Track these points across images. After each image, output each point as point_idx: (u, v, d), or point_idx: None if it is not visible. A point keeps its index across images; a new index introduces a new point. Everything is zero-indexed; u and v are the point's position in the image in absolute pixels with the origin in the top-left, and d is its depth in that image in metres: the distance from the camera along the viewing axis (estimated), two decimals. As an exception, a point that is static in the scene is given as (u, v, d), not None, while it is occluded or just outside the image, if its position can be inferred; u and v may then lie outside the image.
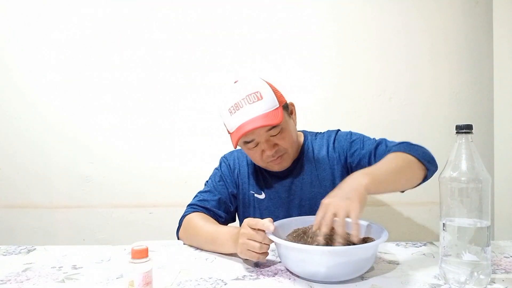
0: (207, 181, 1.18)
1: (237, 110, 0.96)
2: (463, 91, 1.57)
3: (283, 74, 1.59)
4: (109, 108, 1.63)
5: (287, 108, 1.05)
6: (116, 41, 1.62)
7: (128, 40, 1.61)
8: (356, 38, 1.58)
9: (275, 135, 1.00)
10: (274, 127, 0.98)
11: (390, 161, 0.89)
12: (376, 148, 1.02)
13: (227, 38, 1.60)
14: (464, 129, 0.70)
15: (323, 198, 0.77)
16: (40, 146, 1.65)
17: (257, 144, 1.01)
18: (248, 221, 0.83)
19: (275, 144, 1.01)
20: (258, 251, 0.79)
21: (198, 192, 1.14)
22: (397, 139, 1.54)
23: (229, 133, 1.03)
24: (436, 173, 0.91)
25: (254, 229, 0.80)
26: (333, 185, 1.07)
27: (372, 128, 1.57)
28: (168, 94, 1.62)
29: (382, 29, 1.58)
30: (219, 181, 1.14)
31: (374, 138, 1.08)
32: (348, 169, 1.09)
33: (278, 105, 0.98)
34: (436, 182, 0.74)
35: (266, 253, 0.82)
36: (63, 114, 1.64)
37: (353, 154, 1.06)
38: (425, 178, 0.93)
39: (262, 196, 1.12)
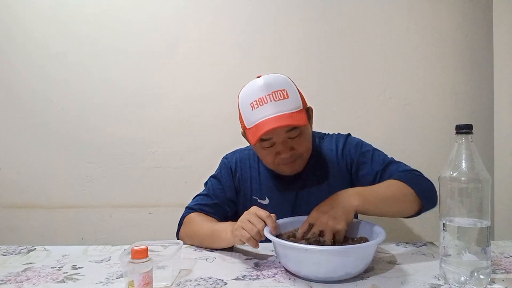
0: (206, 182, 1.15)
1: (260, 105, 0.90)
2: (463, 91, 1.57)
3: (282, 74, 1.58)
4: (109, 108, 1.63)
5: (307, 112, 1.00)
6: (117, 40, 1.61)
7: (128, 40, 1.61)
8: (356, 38, 1.58)
9: (293, 138, 0.95)
10: (294, 128, 0.94)
11: (386, 188, 0.88)
12: (384, 169, 1.00)
13: (227, 38, 1.60)
14: (464, 129, 0.70)
15: None
16: (40, 146, 1.65)
17: (272, 144, 0.96)
18: (257, 210, 0.84)
19: (292, 148, 0.96)
20: (252, 235, 0.81)
21: (196, 195, 1.12)
22: (397, 139, 1.56)
23: (244, 128, 0.97)
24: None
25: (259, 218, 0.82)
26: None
27: (372, 128, 1.57)
28: (168, 94, 1.62)
29: (382, 29, 1.57)
30: (217, 185, 1.11)
31: (384, 154, 1.05)
32: (352, 177, 1.06)
33: (302, 107, 0.94)
34: (436, 182, 0.74)
35: (257, 243, 0.82)
36: (63, 114, 1.64)
37: (359, 166, 1.04)
38: (419, 213, 0.93)
39: (266, 201, 1.08)
